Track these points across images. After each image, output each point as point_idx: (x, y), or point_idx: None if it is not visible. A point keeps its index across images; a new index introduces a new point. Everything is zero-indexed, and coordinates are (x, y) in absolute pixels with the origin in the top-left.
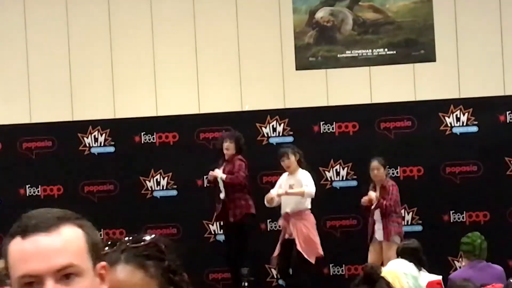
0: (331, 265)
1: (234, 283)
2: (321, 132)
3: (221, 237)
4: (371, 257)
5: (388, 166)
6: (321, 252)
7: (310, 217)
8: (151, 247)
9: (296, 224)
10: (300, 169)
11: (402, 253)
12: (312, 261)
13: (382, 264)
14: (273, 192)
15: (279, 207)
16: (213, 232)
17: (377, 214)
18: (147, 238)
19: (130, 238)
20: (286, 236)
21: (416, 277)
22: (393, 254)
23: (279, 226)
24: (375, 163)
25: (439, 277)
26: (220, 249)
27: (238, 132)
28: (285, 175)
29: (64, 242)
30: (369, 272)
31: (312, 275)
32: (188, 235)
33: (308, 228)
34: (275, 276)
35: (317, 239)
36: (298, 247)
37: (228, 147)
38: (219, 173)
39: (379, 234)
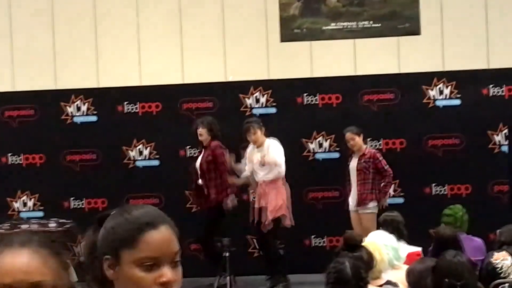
0: (312, 237)
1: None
2: (304, 103)
3: None
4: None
5: (362, 134)
6: (291, 222)
7: (284, 186)
8: (67, 236)
9: (269, 193)
10: (266, 139)
11: (383, 224)
12: (287, 224)
13: None
14: (247, 171)
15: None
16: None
17: (352, 179)
18: (54, 225)
19: (36, 222)
20: (262, 204)
21: (396, 249)
22: (371, 224)
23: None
24: (348, 135)
25: (419, 249)
26: (202, 220)
27: (210, 117)
28: (252, 147)
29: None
30: (348, 238)
31: (284, 244)
32: (170, 205)
33: (281, 197)
34: (257, 247)
35: (289, 208)
36: (269, 215)
37: (201, 133)
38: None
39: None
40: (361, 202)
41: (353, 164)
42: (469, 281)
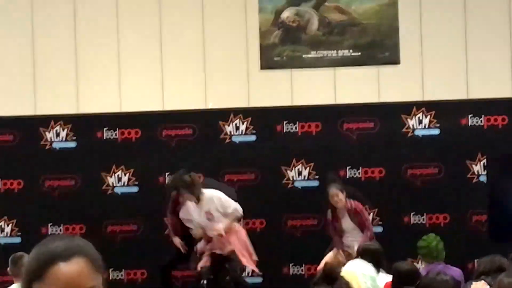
0: (291, 265)
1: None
2: (284, 131)
3: None
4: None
5: (344, 192)
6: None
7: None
8: None
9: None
10: (204, 190)
11: (362, 254)
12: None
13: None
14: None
15: None
16: None
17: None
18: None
19: None
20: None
21: (374, 278)
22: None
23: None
24: (333, 190)
25: None
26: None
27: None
28: (189, 203)
29: None
30: (329, 270)
31: (262, 272)
32: (148, 232)
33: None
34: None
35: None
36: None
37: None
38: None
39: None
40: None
41: (347, 224)
42: None
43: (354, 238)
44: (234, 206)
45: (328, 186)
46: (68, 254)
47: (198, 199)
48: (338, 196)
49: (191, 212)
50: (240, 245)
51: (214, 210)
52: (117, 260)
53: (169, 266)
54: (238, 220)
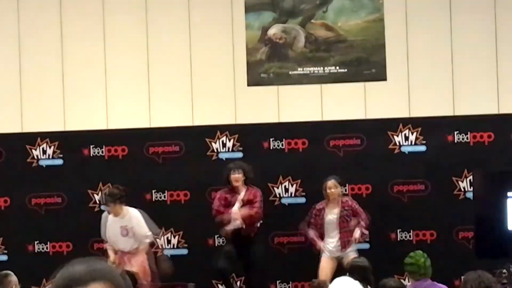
0: (278, 282)
1: None
2: (271, 148)
3: (168, 252)
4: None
5: (341, 186)
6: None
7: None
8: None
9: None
10: (126, 208)
11: (350, 271)
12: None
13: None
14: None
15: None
16: (160, 247)
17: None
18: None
19: None
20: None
21: None
22: None
23: None
24: (332, 182)
25: None
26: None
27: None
28: (109, 217)
29: None
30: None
31: None
32: None
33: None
34: None
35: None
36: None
37: (238, 179)
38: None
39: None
40: (346, 246)
41: (332, 216)
42: None
43: (332, 239)
44: (146, 234)
45: (326, 178)
46: (86, 280)
47: (117, 213)
48: (336, 188)
49: (109, 223)
50: (139, 268)
51: (130, 228)
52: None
53: None
54: (152, 245)
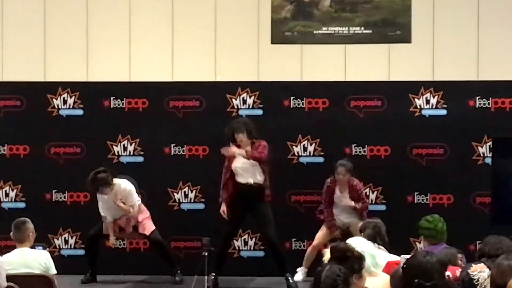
0: (293, 240)
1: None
2: (291, 106)
3: (185, 206)
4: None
5: (353, 167)
6: None
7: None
8: None
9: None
10: (117, 180)
11: (364, 229)
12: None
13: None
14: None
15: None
16: (177, 201)
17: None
18: None
19: None
20: None
21: (374, 256)
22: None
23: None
24: (341, 169)
25: (399, 258)
26: (184, 217)
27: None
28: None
29: None
30: (341, 250)
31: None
32: (153, 202)
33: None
34: (237, 248)
35: None
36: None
37: (241, 139)
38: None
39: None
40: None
41: (340, 195)
42: (439, 281)
43: (346, 216)
44: (133, 203)
45: (338, 162)
46: None
47: (112, 189)
48: (344, 176)
49: (103, 198)
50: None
51: (120, 199)
52: None
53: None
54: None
